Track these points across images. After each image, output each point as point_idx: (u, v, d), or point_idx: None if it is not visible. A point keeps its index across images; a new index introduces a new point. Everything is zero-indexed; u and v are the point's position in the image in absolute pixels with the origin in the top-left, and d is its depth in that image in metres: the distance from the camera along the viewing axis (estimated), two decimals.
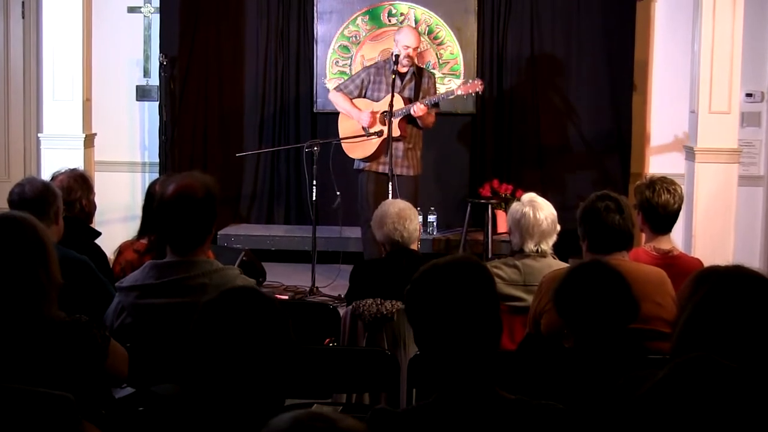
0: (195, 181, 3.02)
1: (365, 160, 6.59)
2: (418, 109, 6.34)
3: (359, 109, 6.60)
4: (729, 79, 6.62)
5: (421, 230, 6.98)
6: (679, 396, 1.49)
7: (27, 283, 2.47)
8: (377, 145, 6.52)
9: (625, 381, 2.10)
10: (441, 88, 7.11)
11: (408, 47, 6.46)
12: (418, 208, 7.23)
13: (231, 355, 1.95)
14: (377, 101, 6.60)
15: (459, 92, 6.58)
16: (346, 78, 7.28)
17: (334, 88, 6.95)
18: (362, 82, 6.70)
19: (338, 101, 6.75)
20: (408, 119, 6.51)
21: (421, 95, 6.49)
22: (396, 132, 6.39)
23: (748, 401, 1.47)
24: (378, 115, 6.55)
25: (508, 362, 3.01)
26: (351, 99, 6.68)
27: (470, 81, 6.66)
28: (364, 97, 6.67)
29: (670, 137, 7.75)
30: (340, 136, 6.70)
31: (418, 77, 6.59)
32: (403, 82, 6.52)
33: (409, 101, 6.44)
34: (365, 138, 6.53)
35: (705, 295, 2.06)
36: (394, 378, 3.34)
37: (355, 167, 6.70)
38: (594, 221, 3.41)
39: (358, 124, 6.58)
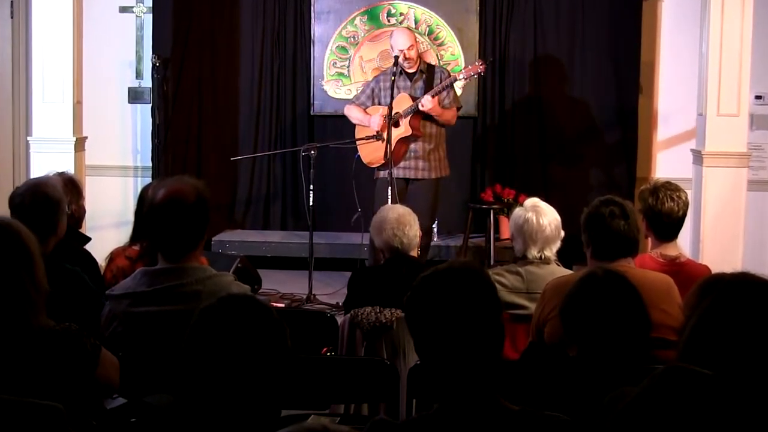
0: (185, 186, 3.02)
1: (380, 167, 6.57)
2: (426, 102, 6.32)
3: (370, 116, 6.60)
4: (738, 81, 6.62)
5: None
6: (657, 407, 1.49)
7: (12, 290, 2.47)
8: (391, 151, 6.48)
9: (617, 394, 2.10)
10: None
11: (402, 50, 6.47)
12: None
13: (227, 364, 1.95)
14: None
15: (461, 77, 6.58)
16: (344, 80, 7.29)
17: (348, 103, 6.94)
18: (372, 91, 6.71)
19: (352, 114, 6.75)
20: (424, 116, 6.48)
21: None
22: (408, 131, 6.39)
23: (726, 411, 1.48)
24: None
25: (511, 372, 3.02)
26: (364, 109, 6.69)
27: (471, 64, 6.66)
28: (379, 105, 6.67)
29: (677, 140, 7.75)
30: (358, 149, 6.68)
31: (429, 74, 6.57)
32: (412, 81, 6.52)
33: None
34: (367, 141, 6.52)
35: (711, 303, 2.06)
36: (393, 388, 3.34)
37: (375, 176, 6.68)
38: (598, 227, 3.41)
39: (373, 132, 6.56)
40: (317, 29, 7.98)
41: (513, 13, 7.88)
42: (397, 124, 6.46)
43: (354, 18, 7.96)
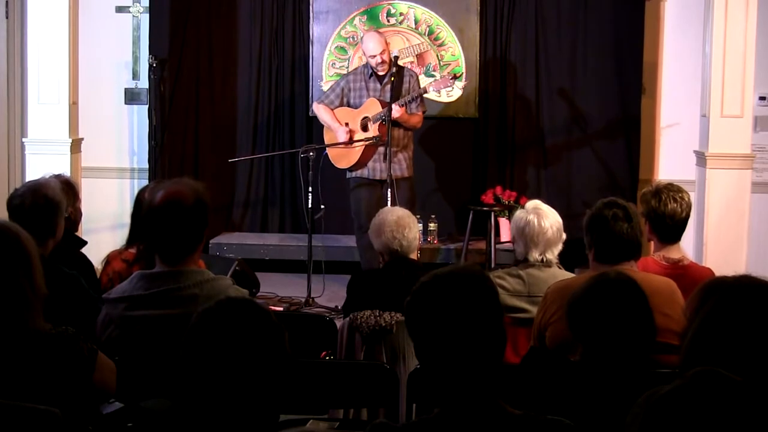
0: (185, 188, 3.02)
1: (351, 169, 6.66)
2: (395, 111, 6.39)
3: (339, 122, 6.68)
4: (741, 81, 6.63)
5: (421, 239, 7.01)
6: (685, 412, 1.50)
7: (11, 293, 2.47)
8: (360, 153, 6.61)
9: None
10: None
11: (374, 56, 6.54)
12: (418, 216, 7.30)
13: (224, 368, 1.95)
14: (357, 108, 6.68)
15: (431, 89, 6.65)
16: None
17: (316, 101, 7.09)
18: (342, 90, 6.79)
19: (320, 113, 6.88)
20: (393, 124, 6.53)
21: (403, 95, 6.53)
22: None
23: (754, 417, 1.48)
24: (359, 122, 6.61)
25: (512, 376, 3.02)
26: (332, 109, 6.75)
27: (441, 76, 6.72)
28: (348, 105, 6.72)
29: (680, 142, 7.75)
30: (326, 149, 6.79)
31: (399, 78, 6.62)
32: (382, 85, 6.59)
33: (388, 104, 6.46)
34: (358, 144, 6.58)
35: (713, 307, 2.07)
36: (393, 392, 3.34)
37: (347, 176, 6.76)
38: (601, 230, 3.41)
39: (338, 138, 6.65)
40: (316, 29, 7.99)
41: (514, 13, 7.88)
42: (366, 129, 6.58)
43: (353, 18, 7.97)
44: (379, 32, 6.99)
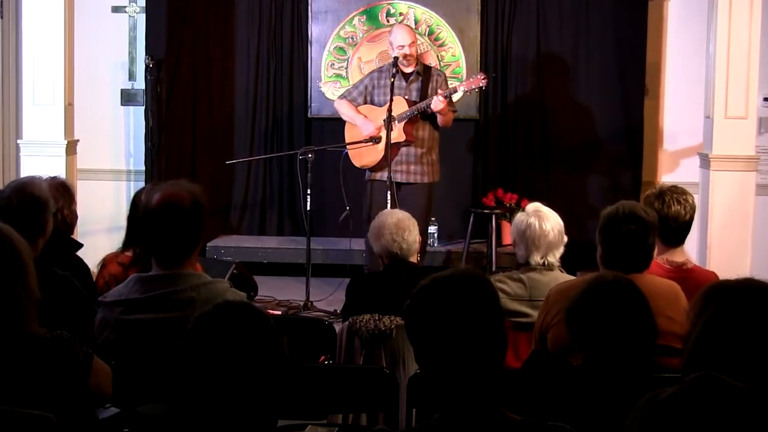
0: (182, 190, 3.02)
1: (372, 169, 6.60)
2: (437, 102, 6.32)
3: (364, 116, 6.62)
4: (746, 82, 6.63)
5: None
6: (683, 417, 1.50)
7: (4, 297, 2.47)
8: (383, 153, 6.52)
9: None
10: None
11: (403, 46, 6.48)
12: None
13: (222, 372, 1.95)
14: (381, 106, 6.61)
15: (461, 89, 6.58)
16: (343, 82, 7.32)
17: (339, 96, 7.02)
18: (365, 88, 6.74)
19: (342, 109, 6.79)
20: (424, 119, 6.50)
21: (429, 95, 6.49)
22: (401, 137, 6.41)
23: (752, 423, 1.48)
24: (383, 120, 6.56)
25: (513, 381, 3.02)
26: (356, 106, 6.70)
27: (473, 76, 6.67)
28: (371, 103, 6.69)
29: (683, 144, 7.76)
30: (348, 148, 6.71)
31: (426, 76, 6.59)
32: (408, 83, 6.54)
33: (414, 103, 6.44)
34: (364, 144, 6.54)
35: (715, 310, 2.07)
36: (392, 397, 3.34)
37: (366, 177, 6.71)
38: (614, 242, 3.39)
39: (363, 133, 6.59)
40: (314, 29, 7.99)
41: (515, 13, 7.88)
42: (390, 129, 6.49)
43: (352, 18, 7.97)
44: (408, 26, 6.97)
